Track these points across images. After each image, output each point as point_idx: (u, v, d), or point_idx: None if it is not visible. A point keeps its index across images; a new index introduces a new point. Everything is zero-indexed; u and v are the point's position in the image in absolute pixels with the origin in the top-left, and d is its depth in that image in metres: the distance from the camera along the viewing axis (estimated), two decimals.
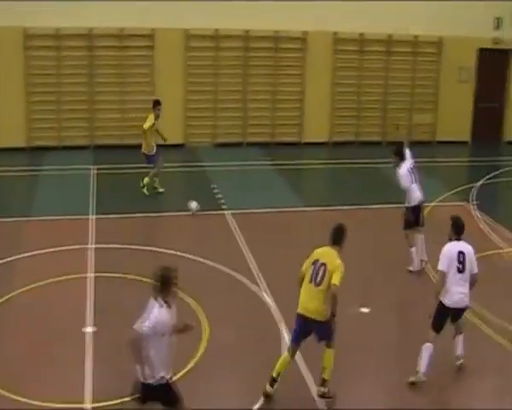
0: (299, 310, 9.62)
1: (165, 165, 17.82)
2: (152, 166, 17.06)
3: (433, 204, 17.18)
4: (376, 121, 22.55)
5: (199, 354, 10.59)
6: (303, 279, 9.70)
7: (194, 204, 15.83)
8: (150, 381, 7.88)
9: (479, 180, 19.32)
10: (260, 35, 21.22)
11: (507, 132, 23.35)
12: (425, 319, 10.20)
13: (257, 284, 12.87)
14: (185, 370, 10.15)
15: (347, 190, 18.40)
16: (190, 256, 13.74)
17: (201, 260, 13.63)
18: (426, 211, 16.49)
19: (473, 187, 18.81)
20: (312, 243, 14.99)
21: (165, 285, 7.94)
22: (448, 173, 20.35)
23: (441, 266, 10.01)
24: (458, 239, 10.16)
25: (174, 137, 20.89)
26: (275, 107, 21.80)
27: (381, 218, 16.41)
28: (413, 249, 13.63)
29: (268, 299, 12.36)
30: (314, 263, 9.65)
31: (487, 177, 19.67)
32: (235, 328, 11.52)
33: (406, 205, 13.67)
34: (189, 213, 15.78)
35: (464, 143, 23.13)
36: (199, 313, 11.69)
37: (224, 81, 21.29)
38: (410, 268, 13.63)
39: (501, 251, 14.88)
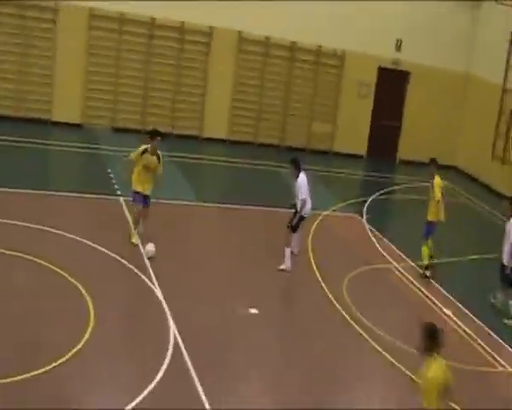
0: None
1: (60, 143, 17.32)
2: None
3: (325, 213, 17.42)
4: (275, 125, 22.63)
5: (84, 340, 10.32)
6: None
7: (150, 247, 13.44)
8: None
9: (371, 195, 19.74)
10: (166, 24, 20.93)
11: (401, 151, 23.94)
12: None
13: (146, 273, 12.69)
14: (70, 354, 9.92)
15: (242, 189, 18.38)
16: (79, 239, 13.40)
17: (91, 244, 13.33)
18: (318, 219, 16.81)
19: (365, 201, 19.20)
20: (202, 238, 15.11)
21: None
22: (342, 185, 20.68)
23: None
24: None
25: (72, 117, 20.40)
26: (176, 98, 21.55)
27: (271, 220, 16.46)
28: (288, 250, 13.93)
29: (156, 288, 12.20)
30: None
31: (380, 192, 20.12)
32: (122, 314, 11.36)
33: (298, 213, 13.89)
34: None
35: (360, 156, 23.57)
36: (86, 297, 11.40)
37: (126, 65, 20.89)
38: (282, 267, 13.90)
39: (388, 266, 15.23)
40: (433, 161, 15.43)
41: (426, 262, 15.03)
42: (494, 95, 22.65)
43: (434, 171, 15.21)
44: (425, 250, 15.01)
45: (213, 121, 21.91)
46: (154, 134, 13.84)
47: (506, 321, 13.76)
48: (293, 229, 13.98)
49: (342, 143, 23.18)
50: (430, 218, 14.99)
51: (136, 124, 21.15)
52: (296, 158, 14.20)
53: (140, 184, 13.73)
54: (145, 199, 13.86)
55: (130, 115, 21.18)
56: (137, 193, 13.77)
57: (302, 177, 13.90)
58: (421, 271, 15.09)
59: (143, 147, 13.80)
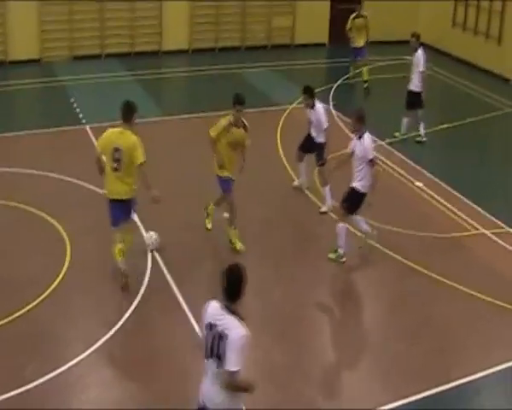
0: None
1: (20, 82, 17.19)
2: None
3: (292, 106, 17.51)
4: (236, 26, 22.46)
5: (62, 272, 10.59)
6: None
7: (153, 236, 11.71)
8: None
9: (336, 81, 19.78)
10: None
11: None
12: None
13: None
14: (49, 290, 10.19)
15: (208, 96, 18.37)
16: (49, 174, 13.54)
17: (61, 176, 13.46)
18: (285, 113, 16.92)
19: (331, 88, 19.25)
20: (171, 152, 15.16)
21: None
22: (307, 76, 20.59)
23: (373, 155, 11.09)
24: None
25: (29, 53, 20.21)
26: (133, 16, 21.30)
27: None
28: (326, 189, 13.03)
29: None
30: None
31: (344, 78, 20.14)
32: (96, 242, 11.55)
33: (320, 140, 13.06)
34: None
35: (322, 45, 23.45)
36: (59, 229, 11.62)
37: None
38: (324, 209, 13.04)
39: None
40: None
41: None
42: None
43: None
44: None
45: (173, 33, 21.71)
46: (235, 102, 11.25)
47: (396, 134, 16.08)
48: (324, 163, 13.03)
49: (303, 35, 23.04)
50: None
51: (95, 49, 20.98)
52: (309, 86, 12.85)
53: (229, 166, 11.42)
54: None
55: (89, 41, 20.98)
56: (226, 180, 11.50)
57: (319, 106, 12.85)
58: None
59: (225, 119, 11.33)
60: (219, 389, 6.32)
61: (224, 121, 11.28)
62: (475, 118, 17.73)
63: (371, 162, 11.03)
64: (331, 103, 18.10)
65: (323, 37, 23.50)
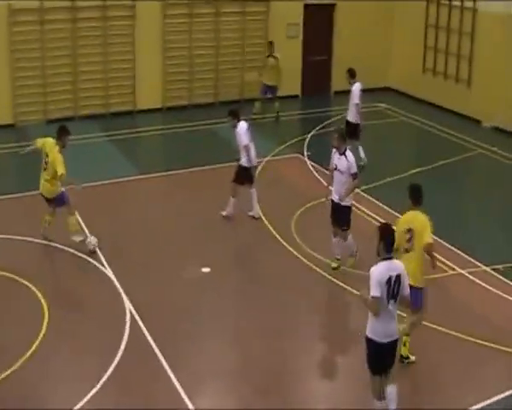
0: None
1: None
2: None
3: (266, 159, 17.63)
4: (209, 83, 22.67)
5: (40, 337, 10.50)
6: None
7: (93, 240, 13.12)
8: None
9: (310, 131, 19.97)
10: (87, 5, 20.72)
11: (334, 83, 24.09)
12: None
13: (97, 259, 12.79)
14: (28, 353, 10.09)
15: (183, 154, 18.45)
16: (27, 238, 13.47)
17: (39, 241, 13.38)
18: (260, 165, 17.03)
19: (305, 138, 19.42)
20: (148, 210, 15.21)
21: None
22: (281, 127, 20.86)
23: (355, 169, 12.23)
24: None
25: (2, 118, 20.25)
26: (107, 77, 21.46)
27: (215, 177, 16.71)
28: (232, 200, 14.26)
29: (108, 273, 12.34)
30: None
31: (318, 127, 20.35)
32: (77, 306, 11.48)
33: (244, 164, 14.04)
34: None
35: (295, 96, 23.70)
36: (37, 296, 11.53)
37: (52, 55, 20.62)
38: (224, 213, 14.33)
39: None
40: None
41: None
42: (419, 9, 22.94)
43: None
44: None
45: (146, 92, 21.86)
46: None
47: None
48: (237, 179, 14.13)
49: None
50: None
51: (69, 112, 21.07)
52: (234, 109, 14.41)
53: None
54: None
55: (63, 104, 21.06)
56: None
57: (242, 124, 14.07)
58: None
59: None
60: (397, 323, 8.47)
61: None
62: (448, 160, 17.94)
63: (355, 175, 12.09)
64: (305, 154, 18.23)
65: (296, 88, 23.76)
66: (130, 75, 21.70)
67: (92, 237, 13.04)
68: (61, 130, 13.17)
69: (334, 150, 12.45)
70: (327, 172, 13.15)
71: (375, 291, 8.18)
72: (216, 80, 22.68)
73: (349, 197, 12.29)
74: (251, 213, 14.43)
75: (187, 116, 21.41)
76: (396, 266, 8.41)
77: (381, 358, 8.52)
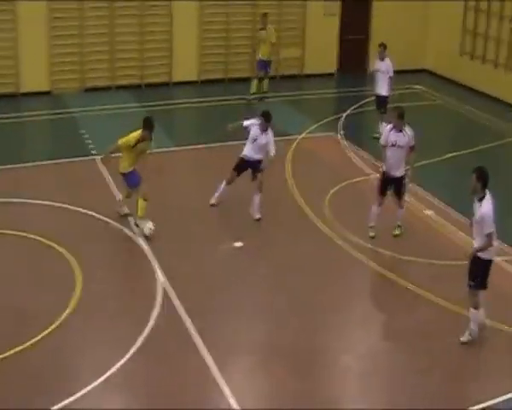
0: None
1: (32, 114, 17.28)
2: None
3: (301, 136, 17.59)
4: (245, 57, 22.58)
5: (73, 304, 10.60)
6: None
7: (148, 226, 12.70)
8: None
9: (345, 110, 19.85)
10: None
11: (371, 63, 23.87)
12: None
13: (131, 230, 12.88)
14: (60, 320, 10.19)
15: (218, 128, 18.38)
16: (62, 205, 13.59)
17: (73, 207, 13.51)
18: (295, 143, 17.01)
19: (340, 117, 19.33)
20: (181, 183, 15.27)
21: None
22: (316, 106, 20.75)
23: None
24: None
25: (40, 85, 20.39)
26: (143, 48, 21.48)
27: None
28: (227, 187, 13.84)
29: (143, 243, 12.42)
30: None
31: (354, 107, 20.23)
32: (110, 274, 11.59)
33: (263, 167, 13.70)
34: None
35: (331, 75, 23.55)
36: (73, 262, 11.65)
37: (89, 24, 20.72)
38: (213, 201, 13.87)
39: (367, 177, 15.46)
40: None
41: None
42: None
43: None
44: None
45: (182, 64, 21.86)
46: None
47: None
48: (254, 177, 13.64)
49: (312, 65, 23.11)
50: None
51: (105, 81, 21.15)
52: (268, 111, 13.58)
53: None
54: None
55: (99, 73, 21.15)
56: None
57: (271, 133, 13.50)
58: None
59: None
60: None
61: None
62: (484, 146, 17.75)
63: (412, 148, 12.87)
64: (341, 132, 18.16)
65: (332, 66, 23.62)
66: (166, 46, 21.69)
67: (150, 223, 12.65)
68: (145, 122, 12.92)
69: (388, 128, 12.96)
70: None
71: (493, 226, 9.73)
72: (252, 55, 22.56)
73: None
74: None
75: (222, 90, 21.39)
76: None
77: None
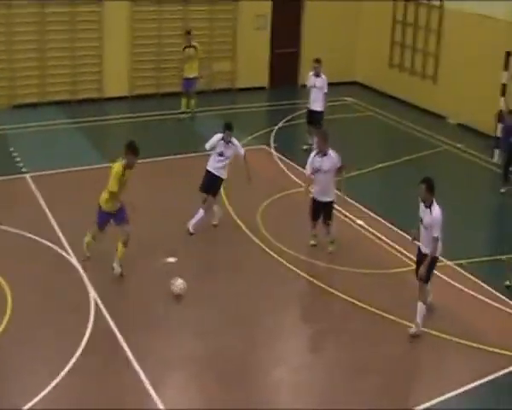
0: None
1: None
2: None
3: None
4: (177, 72, 22.53)
5: (3, 325, 10.43)
6: None
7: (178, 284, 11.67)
8: None
9: (277, 123, 20.02)
10: None
11: (303, 76, 24.14)
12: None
13: (62, 247, 12.72)
14: None
15: (150, 142, 18.33)
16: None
17: (3, 227, 13.26)
18: None
19: (272, 130, 19.48)
20: None
21: None
22: (248, 119, 20.86)
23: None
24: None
25: None
26: (74, 64, 21.29)
27: (178, 167, 16.85)
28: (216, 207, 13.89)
29: (74, 261, 12.27)
30: None
31: (285, 120, 20.42)
32: (41, 293, 11.41)
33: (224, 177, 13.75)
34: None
35: (263, 88, 23.74)
36: (2, 283, 11.43)
37: (18, 39, 20.46)
38: (214, 222, 13.91)
39: (300, 189, 15.53)
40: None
41: None
42: (387, 5, 23.12)
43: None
44: None
45: (113, 79, 21.75)
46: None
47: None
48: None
49: (244, 79, 23.31)
50: None
51: (35, 97, 20.87)
52: (229, 122, 13.63)
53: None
54: None
55: (29, 90, 20.86)
56: None
57: (235, 141, 13.56)
58: None
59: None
60: None
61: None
62: (413, 155, 18.12)
63: (340, 169, 12.78)
64: (272, 145, 18.30)
65: (263, 80, 23.82)
66: (97, 62, 21.55)
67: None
68: (129, 146, 11.94)
69: (312, 154, 12.95)
70: None
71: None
72: (182, 70, 22.53)
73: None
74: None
75: (154, 105, 21.33)
76: None
77: None
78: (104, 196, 11.82)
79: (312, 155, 12.86)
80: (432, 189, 10.60)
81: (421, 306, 10.78)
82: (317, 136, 12.85)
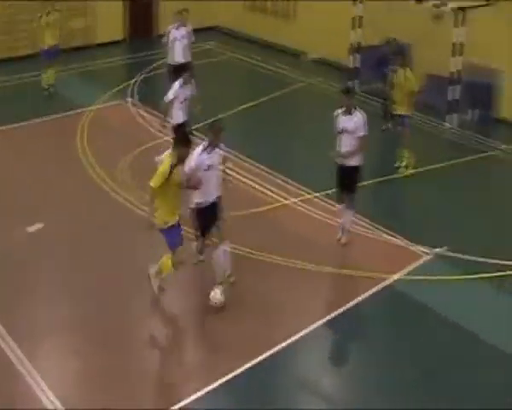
0: None
1: None
2: None
3: (92, 107, 17.26)
4: (31, 35, 21.48)
5: None
6: None
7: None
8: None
9: (134, 77, 19.66)
10: None
11: (159, 27, 23.62)
12: None
13: None
14: None
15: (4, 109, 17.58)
16: None
17: None
18: (85, 116, 16.64)
19: (130, 84, 19.11)
20: None
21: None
22: (106, 75, 20.35)
23: None
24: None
25: None
26: None
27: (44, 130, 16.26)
28: None
29: None
30: None
31: (143, 72, 20.07)
32: None
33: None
34: None
35: (117, 42, 23.14)
36: None
37: None
38: None
39: (160, 141, 15.25)
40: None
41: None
42: None
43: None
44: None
45: None
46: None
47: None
48: None
49: (101, 34, 22.66)
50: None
51: None
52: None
53: None
54: None
55: None
56: None
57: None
58: None
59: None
60: None
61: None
62: (274, 94, 18.23)
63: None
64: (130, 99, 17.98)
65: (120, 34, 23.27)
66: None
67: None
68: (181, 137, 10.10)
69: (198, 151, 10.43)
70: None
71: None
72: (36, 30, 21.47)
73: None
74: None
75: (5, 69, 20.27)
76: None
77: None
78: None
79: (198, 152, 10.39)
80: (353, 95, 11.68)
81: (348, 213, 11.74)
82: (211, 129, 10.58)
